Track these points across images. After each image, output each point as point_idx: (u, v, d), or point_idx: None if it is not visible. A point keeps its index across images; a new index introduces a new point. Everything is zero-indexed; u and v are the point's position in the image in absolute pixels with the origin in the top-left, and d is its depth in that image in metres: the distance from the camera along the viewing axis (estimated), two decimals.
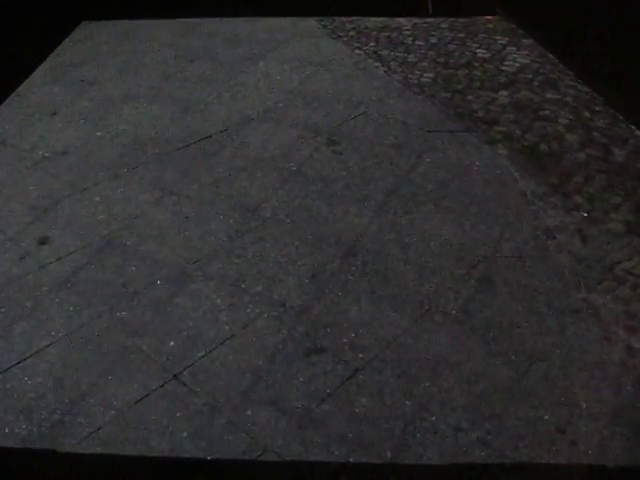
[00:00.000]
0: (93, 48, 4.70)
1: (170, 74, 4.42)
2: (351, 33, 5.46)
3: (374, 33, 5.45)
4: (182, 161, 3.22)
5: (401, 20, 5.84)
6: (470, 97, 4.10)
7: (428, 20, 5.82)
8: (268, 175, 3.07)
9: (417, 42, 5.21)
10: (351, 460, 1.72)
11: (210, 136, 3.48)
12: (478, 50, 5.01)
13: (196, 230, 2.67)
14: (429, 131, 3.59)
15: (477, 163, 3.25)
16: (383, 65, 4.65)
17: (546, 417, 1.86)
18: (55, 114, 3.83)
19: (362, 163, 3.24)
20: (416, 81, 4.33)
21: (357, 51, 4.97)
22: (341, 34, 5.42)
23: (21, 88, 4.02)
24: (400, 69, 4.57)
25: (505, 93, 4.17)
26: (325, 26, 5.65)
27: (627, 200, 2.94)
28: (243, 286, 2.35)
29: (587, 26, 4.09)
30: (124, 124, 3.68)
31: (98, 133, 3.59)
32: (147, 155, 3.30)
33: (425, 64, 4.69)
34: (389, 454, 1.75)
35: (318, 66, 4.63)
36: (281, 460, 1.70)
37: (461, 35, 5.38)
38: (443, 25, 5.68)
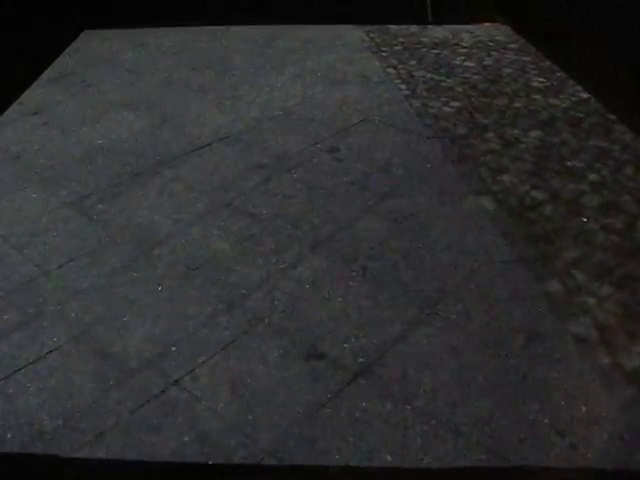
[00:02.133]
0: (94, 56, 4.73)
1: (171, 82, 4.35)
2: (397, 48, 5.08)
3: (423, 50, 5.02)
4: (117, 183, 3.07)
5: (465, 35, 5.37)
6: (490, 135, 3.57)
7: (498, 38, 5.29)
8: (180, 212, 2.83)
9: (467, 63, 4.71)
10: (351, 464, 1.72)
11: (164, 159, 3.31)
12: (537, 78, 4.41)
13: (84, 262, 2.51)
14: (407, 174, 3.15)
15: (444, 218, 2.77)
16: (408, 89, 4.22)
17: (546, 421, 1.83)
18: (35, 114, 3.89)
19: (306, 204, 2.88)
20: (435, 110, 3.87)
21: (389, 69, 4.58)
22: (384, 49, 5.05)
23: (23, 97, 4.13)
24: (425, 94, 4.12)
25: (538, 134, 3.58)
26: (372, 38, 5.31)
27: (619, 294, 2.33)
28: (79, 331, 2.14)
29: (586, 33, 3.82)
30: (92, 132, 3.60)
31: (63, 139, 3.56)
32: (88, 170, 3.19)
33: (460, 90, 4.20)
34: (389, 458, 1.74)
35: (333, 84, 4.30)
36: (282, 464, 1.72)
37: (526, 58, 4.79)
38: (512, 45, 5.11)
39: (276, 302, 2.26)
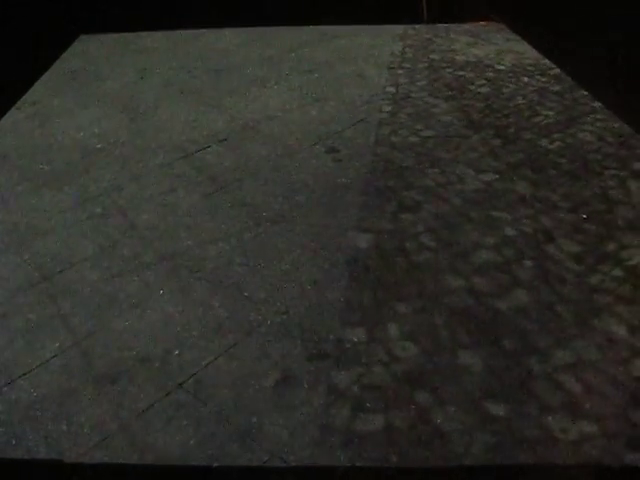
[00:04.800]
0: (90, 60, 5.27)
1: (166, 86, 4.90)
2: (421, 65, 5.15)
3: (448, 70, 5.05)
4: (36, 181, 3.60)
5: (507, 56, 5.30)
6: (434, 170, 3.61)
7: (544, 62, 5.15)
8: (64, 214, 3.26)
9: (483, 88, 4.68)
10: (357, 464, 1.87)
11: (95, 164, 3.80)
12: (547, 112, 4.29)
13: None
14: (308, 201, 3.34)
15: (301, 253, 2.94)
16: (391, 111, 4.31)
17: (550, 418, 2.01)
18: (35, 104, 4.64)
19: (178, 219, 3.21)
20: (398, 139, 3.94)
21: (390, 88, 4.69)
22: (407, 65, 5.15)
23: (20, 102, 4.63)
24: (404, 119, 4.19)
25: (491, 177, 3.55)
26: (404, 52, 5.42)
27: (419, 357, 2.37)
28: None
29: (581, 29, 4.00)
30: (61, 127, 4.21)
31: (39, 132, 4.24)
32: (24, 163, 3.77)
33: (447, 118, 4.22)
34: (395, 458, 1.90)
35: (316, 100, 4.52)
36: (287, 466, 1.85)
37: (557, 87, 4.66)
38: (553, 71, 4.96)
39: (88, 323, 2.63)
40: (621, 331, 2.46)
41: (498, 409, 2.14)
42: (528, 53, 5.34)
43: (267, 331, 2.47)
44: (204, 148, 3.93)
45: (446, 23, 5.67)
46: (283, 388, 2.23)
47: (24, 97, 4.67)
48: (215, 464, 1.84)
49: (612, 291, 2.67)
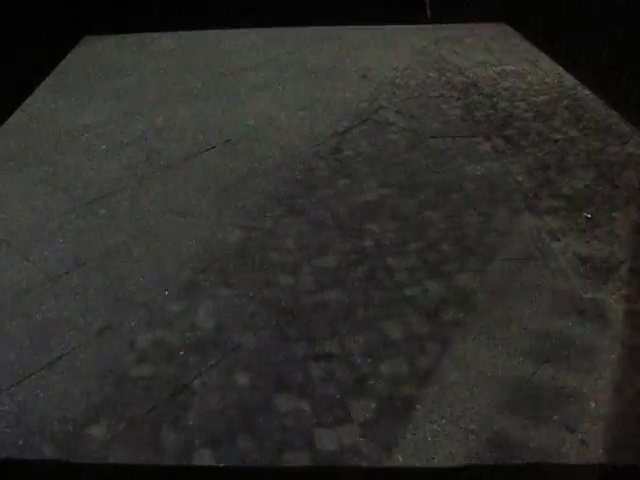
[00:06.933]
0: (95, 60, 5.87)
1: (171, 86, 5.76)
2: (412, 82, 5.64)
3: (434, 89, 5.47)
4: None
5: (505, 82, 5.64)
6: (342, 182, 4.21)
7: (540, 89, 5.46)
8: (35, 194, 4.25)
9: (454, 111, 5.13)
10: (363, 465, 1.98)
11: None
12: (494, 142, 4.70)
13: None
14: (201, 196, 4.10)
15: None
16: (348, 127, 4.93)
17: (555, 417, 2.17)
18: (39, 106, 5.76)
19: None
20: (335, 155, 4.53)
21: (363, 104, 5.26)
22: (399, 81, 5.68)
23: (24, 104, 5.00)
24: (356, 137, 4.75)
25: (386, 192, 4.11)
26: (407, 69, 5.96)
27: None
28: None
29: (586, 30, 4.36)
30: (69, 129, 4.91)
31: (41, 131, 5.29)
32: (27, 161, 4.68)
33: (395, 137, 4.77)
34: (400, 458, 2.02)
35: (295, 111, 5.25)
36: (294, 466, 1.95)
37: (529, 114, 5.01)
38: (542, 97, 5.29)
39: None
40: (398, 336, 2.91)
41: (244, 381, 2.69)
42: (529, 78, 5.64)
43: (114, 296, 3.28)
44: (208, 149, 4.67)
45: (451, 23, 6.13)
46: (106, 335, 3.00)
47: (29, 99, 5.24)
48: (221, 464, 1.97)
49: (417, 303, 3.10)
